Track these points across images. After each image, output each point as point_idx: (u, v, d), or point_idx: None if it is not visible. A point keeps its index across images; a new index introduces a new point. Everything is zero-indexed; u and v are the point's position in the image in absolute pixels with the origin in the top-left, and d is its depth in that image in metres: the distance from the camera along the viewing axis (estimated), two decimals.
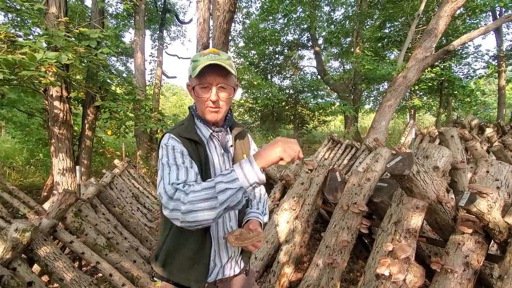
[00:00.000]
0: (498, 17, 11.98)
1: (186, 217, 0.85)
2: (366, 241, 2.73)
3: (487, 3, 8.90)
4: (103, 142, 7.73)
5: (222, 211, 0.86)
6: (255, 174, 0.86)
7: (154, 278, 1.15)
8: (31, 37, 4.74)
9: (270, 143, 0.91)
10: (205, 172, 1.05)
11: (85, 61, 4.73)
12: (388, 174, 2.01)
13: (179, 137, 1.05)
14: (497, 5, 9.34)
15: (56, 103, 4.80)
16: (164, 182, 0.93)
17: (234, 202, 0.86)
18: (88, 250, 2.37)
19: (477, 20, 12.21)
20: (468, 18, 11.89)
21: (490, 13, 12.69)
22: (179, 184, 0.90)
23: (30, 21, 4.78)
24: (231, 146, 1.19)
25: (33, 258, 2.00)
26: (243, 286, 1.22)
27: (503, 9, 11.34)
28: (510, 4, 8.49)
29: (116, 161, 5.45)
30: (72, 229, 2.47)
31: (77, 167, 3.02)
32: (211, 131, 1.13)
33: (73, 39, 4.45)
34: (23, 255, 1.93)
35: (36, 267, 2.39)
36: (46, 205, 3.91)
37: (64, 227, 2.46)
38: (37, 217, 3.64)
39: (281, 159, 0.88)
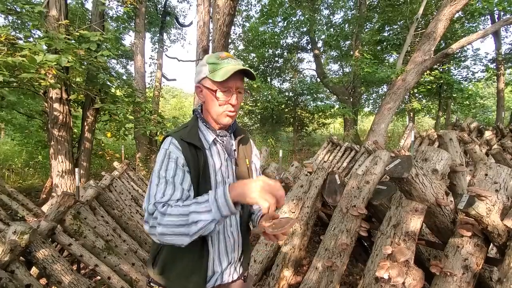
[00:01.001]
0: (496, 20, 12.04)
1: (162, 238, 0.89)
2: (366, 244, 2.73)
3: (486, 6, 8.95)
4: (103, 145, 7.73)
5: (195, 237, 0.88)
6: (228, 208, 0.86)
7: (151, 284, 1.13)
8: (31, 39, 4.75)
9: (252, 180, 0.86)
10: (203, 178, 1.05)
11: (85, 63, 4.74)
12: (387, 177, 2.02)
13: (180, 141, 1.03)
14: (495, 8, 9.40)
15: (56, 105, 4.81)
16: (150, 195, 0.95)
17: (206, 232, 0.88)
18: (87, 252, 2.36)
19: (476, 24, 12.28)
20: (467, 21, 11.96)
21: (489, 17, 12.77)
22: (160, 203, 0.92)
23: (31, 23, 4.80)
24: (235, 150, 1.19)
25: (31, 261, 2.00)
26: None
27: (502, 13, 11.40)
28: (508, 8, 8.53)
29: (116, 164, 5.45)
30: (71, 232, 2.46)
31: (76, 169, 3.03)
32: (215, 136, 1.12)
33: (73, 41, 4.47)
34: (21, 257, 1.93)
35: (34, 270, 2.38)
36: (45, 208, 3.90)
37: (63, 230, 2.46)
38: (36, 219, 3.63)
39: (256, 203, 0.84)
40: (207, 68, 1.05)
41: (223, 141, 1.14)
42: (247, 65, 15.66)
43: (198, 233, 0.87)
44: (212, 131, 1.12)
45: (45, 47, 4.33)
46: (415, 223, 1.53)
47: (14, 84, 4.86)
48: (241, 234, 1.18)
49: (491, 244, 1.48)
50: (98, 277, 2.73)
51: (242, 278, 1.22)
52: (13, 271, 1.79)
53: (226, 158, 1.14)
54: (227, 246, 1.13)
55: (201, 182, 1.04)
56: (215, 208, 0.86)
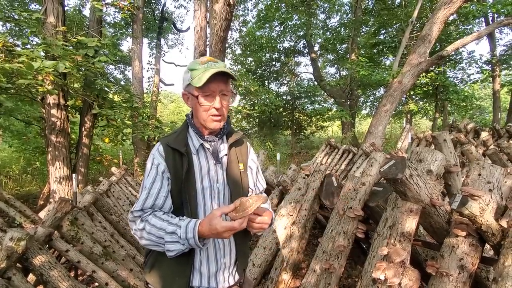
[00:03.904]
0: (491, 22, 12.17)
1: (142, 243, 1.02)
2: (364, 246, 2.73)
3: (480, 9, 9.05)
4: (101, 150, 7.73)
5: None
6: (196, 245, 0.96)
7: (149, 285, 1.14)
8: (29, 46, 4.78)
9: (212, 223, 0.92)
10: (186, 183, 1.06)
11: (83, 69, 4.76)
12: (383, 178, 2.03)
13: (165, 147, 1.07)
14: (489, 11, 9.50)
15: (54, 111, 4.82)
16: (137, 200, 1.07)
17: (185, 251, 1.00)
18: (84, 258, 2.35)
19: (470, 26, 12.41)
20: (461, 24, 12.08)
21: (483, 19, 12.90)
22: (138, 213, 1.04)
23: (28, 30, 4.82)
24: (226, 155, 1.17)
25: (28, 267, 1.99)
26: None
27: (496, 15, 11.53)
28: (502, 10, 8.63)
29: (113, 169, 5.44)
30: (68, 238, 2.45)
31: (74, 175, 3.02)
32: (202, 141, 1.12)
33: (71, 48, 4.49)
34: (18, 264, 1.92)
35: (31, 277, 2.37)
36: (42, 214, 3.88)
37: (60, 236, 2.45)
38: (33, 226, 3.62)
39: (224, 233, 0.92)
40: (189, 75, 1.06)
41: (210, 146, 1.14)
42: (244, 69, 15.77)
43: (174, 254, 0.98)
44: (200, 136, 1.12)
45: (42, 54, 4.35)
46: (410, 223, 1.54)
47: (12, 90, 4.86)
48: (235, 240, 1.16)
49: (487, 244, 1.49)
50: (96, 284, 2.71)
51: (238, 284, 1.20)
52: (10, 278, 1.78)
53: (214, 162, 1.14)
54: (216, 252, 1.11)
55: (183, 187, 1.05)
56: (186, 243, 0.95)
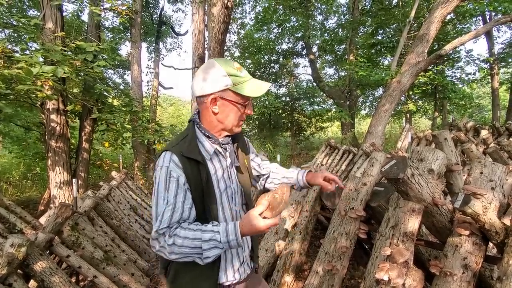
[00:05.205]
0: (488, 21, 12.21)
1: (173, 259, 1.01)
2: (366, 247, 2.72)
3: (477, 7, 9.07)
4: (101, 154, 7.72)
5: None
6: (238, 245, 0.99)
7: None
8: (27, 52, 4.78)
9: (252, 220, 0.96)
10: (207, 190, 1.08)
11: (82, 74, 4.77)
12: (384, 178, 2.02)
13: (181, 157, 1.03)
14: (486, 9, 9.53)
15: (53, 116, 4.81)
16: (156, 217, 1.00)
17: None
18: (85, 264, 2.34)
19: (468, 25, 12.44)
20: (459, 23, 12.11)
21: (481, 18, 12.94)
22: (164, 229, 0.99)
23: (27, 36, 4.83)
24: (236, 155, 1.22)
25: (29, 274, 1.98)
26: (254, 284, 1.28)
27: (493, 13, 11.56)
28: (499, 8, 8.65)
29: (114, 173, 5.43)
30: (69, 243, 2.44)
31: (74, 180, 3.02)
32: (217, 145, 1.13)
33: (69, 53, 4.50)
34: (19, 270, 1.91)
35: (32, 283, 2.36)
36: (43, 219, 3.87)
37: (61, 241, 2.44)
38: (34, 231, 3.60)
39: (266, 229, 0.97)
40: (229, 80, 1.05)
41: (225, 149, 1.16)
42: None
43: (210, 259, 0.99)
44: (214, 141, 1.13)
45: (41, 59, 4.35)
46: (413, 223, 1.53)
47: (11, 96, 4.86)
48: None
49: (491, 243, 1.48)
50: None
51: (255, 270, 1.30)
52: (11, 284, 1.77)
53: (228, 165, 1.17)
54: (237, 249, 1.17)
55: (205, 195, 1.07)
56: (226, 246, 0.98)
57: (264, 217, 0.96)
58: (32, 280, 2.19)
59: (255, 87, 1.07)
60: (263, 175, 1.43)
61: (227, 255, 1.14)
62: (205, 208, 1.08)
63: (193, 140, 1.09)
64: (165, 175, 1.01)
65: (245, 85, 1.06)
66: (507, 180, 2.04)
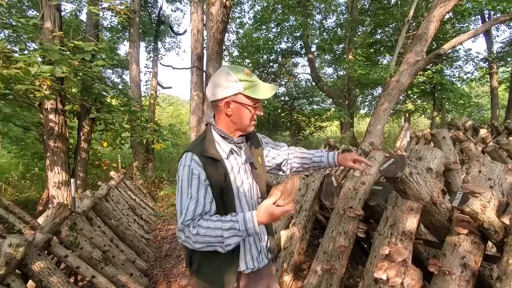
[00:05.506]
0: (487, 20, 12.21)
1: (197, 249, 1.11)
2: (365, 246, 2.72)
3: (476, 6, 9.08)
4: (99, 154, 7.69)
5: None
6: (255, 233, 1.09)
7: (199, 279, 1.31)
8: (26, 52, 4.76)
9: (268, 210, 1.07)
10: (226, 186, 1.19)
11: (80, 74, 4.75)
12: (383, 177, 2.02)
13: (201, 157, 1.16)
14: (485, 8, 9.54)
15: (51, 116, 4.79)
16: (180, 210, 1.12)
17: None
18: (83, 264, 2.33)
19: (466, 24, 12.44)
20: (457, 22, 12.11)
21: (479, 17, 12.95)
22: (188, 221, 1.09)
23: (26, 36, 4.81)
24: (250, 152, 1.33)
25: (27, 274, 1.97)
26: (267, 272, 1.40)
27: (492, 12, 11.57)
28: (498, 7, 8.65)
29: (112, 173, 5.42)
30: (67, 243, 2.43)
31: (72, 179, 3.00)
32: (232, 145, 1.26)
33: (68, 52, 4.48)
34: (17, 270, 1.90)
35: (31, 283, 2.35)
36: (41, 219, 3.86)
37: (59, 241, 2.43)
38: (32, 232, 3.59)
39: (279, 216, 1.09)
40: (240, 85, 1.17)
41: (240, 148, 1.29)
42: None
43: (230, 246, 1.09)
44: (229, 141, 1.25)
45: (40, 59, 4.33)
46: (411, 222, 1.53)
47: (10, 96, 4.84)
48: (265, 225, 1.36)
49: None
50: None
51: (271, 260, 1.44)
52: (9, 285, 1.76)
53: (243, 162, 1.29)
54: (255, 239, 1.30)
55: (224, 190, 1.19)
56: (245, 234, 1.08)
57: (278, 205, 1.07)
58: (30, 280, 2.19)
59: (264, 90, 1.20)
60: (281, 162, 1.53)
61: (246, 245, 1.26)
62: (224, 202, 1.19)
63: (211, 141, 1.21)
64: (188, 173, 1.13)
65: (254, 88, 1.18)
66: (506, 179, 2.04)
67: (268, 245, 1.38)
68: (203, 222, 1.09)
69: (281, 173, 1.57)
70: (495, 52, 13.21)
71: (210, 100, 1.25)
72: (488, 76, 13.56)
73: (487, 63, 13.18)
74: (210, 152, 1.17)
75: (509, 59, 12.99)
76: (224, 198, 1.19)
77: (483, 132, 6.09)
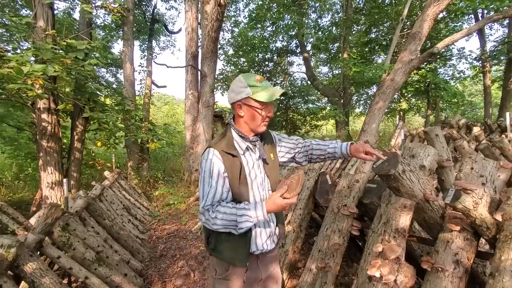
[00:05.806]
0: (480, 19, 12.32)
1: (215, 229, 1.31)
2: (360, 244, 2.73)
3: (469, 6, 9.15)
4: (93, 154, 7.62)
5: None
6: (264, 219, 1.28)
7: (213, 257, 1.46)
8: (19, 51, 4.70)
9: (274, 200, 1.25)
10: (242, 178, 1.36)
11: (73, 73, 4.69)
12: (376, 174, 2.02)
13: (221, 152, 1.33)
14: (478, 7, 9.62)
15: (44, 116, 4.74)
16: (202, 196, 1.32)
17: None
18: (76, 265, 2.31)
19: (460, 23, 12.55)
20: (451, 21, 12.21)
21: (473, 16, 13.06)
22: (208, 206, 1.29)
23: (19, 35, 4.74)
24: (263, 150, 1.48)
25: (19, 275, 1.95)
26: (272, 256, 1.56)
27: (485, 11, 11.67)
28: (491, 6, 8.72)
29: (106, 173, 5.37)
30: (60, 244, 2.40)
31: (65, 179, 2.97)
32: (249, 143, 1.42)
33: (60, 51, 4.42)
34: (9, 271, 1.88)
35: (23, 284, 2.32)
36: (32, 220, 3.81)
37: (52, 242, 2.40)
38: (26, 232, 3.54)
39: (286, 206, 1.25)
40: (249, 90, 1.34)
41: (255, 145, 1.45)
42: (237, 70, 15.75)
43: (242, 230, 1.26)
44: (246, 139, 1.41)
45: (32, 58, 4.28)
46: (405, 219, 1.54)
47: (3, 96, 4.77)
48: (275, 213, 1.50)
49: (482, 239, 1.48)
50: None
51: (280, 245, 1.61)
52: (1, 286, 1.74)
53: (257, 158, 1.45)
54: (265, 224, 1.45)
55: (240, 182, 1.35)
56: (255, 220, 1.26)
57: (284, 198, 1.22)
58: (22, 281, 2.16)
59: (269, 94, 1.33)
60: (295, 155, 1.66)
61: (257, 230, 1.41)
62: (239, 192, 1.35)
63: (230, 139, 1.39)
64: (209, 165, 1.32)
65: (261, 93, 1.33)
66: (499, 176, 2.05)
67: (277, 232, 1.52)
68: (220, 207, 1.27)
69: (299, 164, 1.70)
70: (488, 50, 13.34)
71: (229, 103, 1.45)
72: (481, 74, 13.69)
73: (480, 61, 13.30)
74: (229, 148, 1.35)
75: (502, 57, 13.11)
76: (239, 189, 1.35)
77: (476, 130, 6.15)
